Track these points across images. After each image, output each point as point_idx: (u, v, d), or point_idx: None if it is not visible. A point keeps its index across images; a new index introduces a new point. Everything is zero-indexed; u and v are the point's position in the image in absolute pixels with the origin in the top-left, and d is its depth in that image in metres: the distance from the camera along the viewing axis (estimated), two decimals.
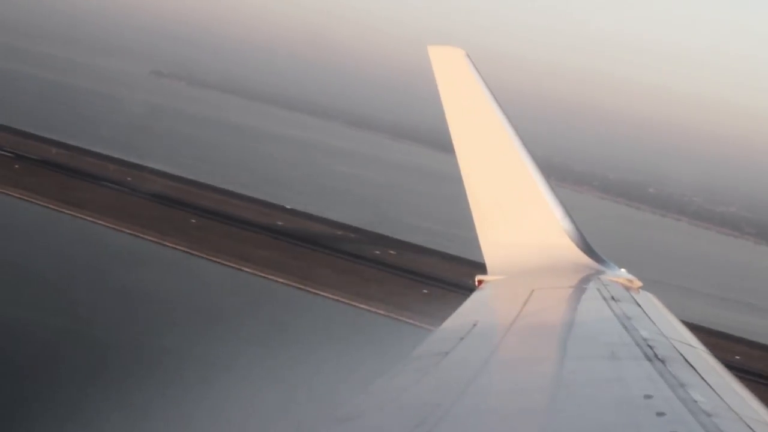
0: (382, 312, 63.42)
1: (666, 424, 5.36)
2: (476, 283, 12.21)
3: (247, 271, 66.92)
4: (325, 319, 57.72)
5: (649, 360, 7.05)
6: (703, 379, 6.70)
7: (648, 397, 5.90)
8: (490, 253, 12.83)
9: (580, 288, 11.23)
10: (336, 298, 64.81)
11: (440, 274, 72.29)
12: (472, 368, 7.28)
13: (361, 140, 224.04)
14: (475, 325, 9.42)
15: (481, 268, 12.65)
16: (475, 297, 11.63)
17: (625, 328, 8.44)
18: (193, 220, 76.51)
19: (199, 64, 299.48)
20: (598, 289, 10.62)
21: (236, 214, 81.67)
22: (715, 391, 6.38)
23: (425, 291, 72.12)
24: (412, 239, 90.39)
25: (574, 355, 7.68)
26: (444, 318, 10.07)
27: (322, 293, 64.98)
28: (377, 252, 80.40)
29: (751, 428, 5.65)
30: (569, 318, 10.07)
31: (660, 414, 5.52)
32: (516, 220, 12.93)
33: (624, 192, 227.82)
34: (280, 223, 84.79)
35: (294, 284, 65.79)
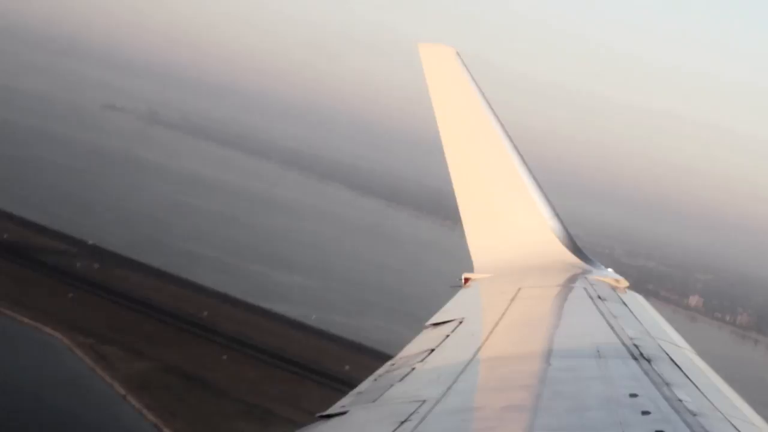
0: None
1: (651, 423, 5.36)
2: (463, 281, 12.22)
3: None
4: None
5: (635, 359, 7.06)
6: (688, 378, 6.72)
7: (633, 395, 5.91)
8: (477, 251, 12.84)
9: (567, 287, 11.25)
10: None
11: None
12: (457, 365, 7.27)
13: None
14: (461, 322, 9.42)
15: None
16: (461, 294, 11.65)
17: (611, 327, 8.46)
18: None
19: (161, 100, 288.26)
20: (585, 289, 10.64)
21: None
22: (700, 391, 6.39)
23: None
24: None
25: (559, 353, 7.69)
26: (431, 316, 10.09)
27: None
28: None
29: (735, 428, 5.66)
30: (556, 316, 10.08)
31: (645, 413, 5.53)
32: (503, 218, 12.94)
33: None
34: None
35: None
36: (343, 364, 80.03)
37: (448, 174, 13.11)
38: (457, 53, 13.27)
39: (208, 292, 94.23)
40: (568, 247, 12.42)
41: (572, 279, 11.49)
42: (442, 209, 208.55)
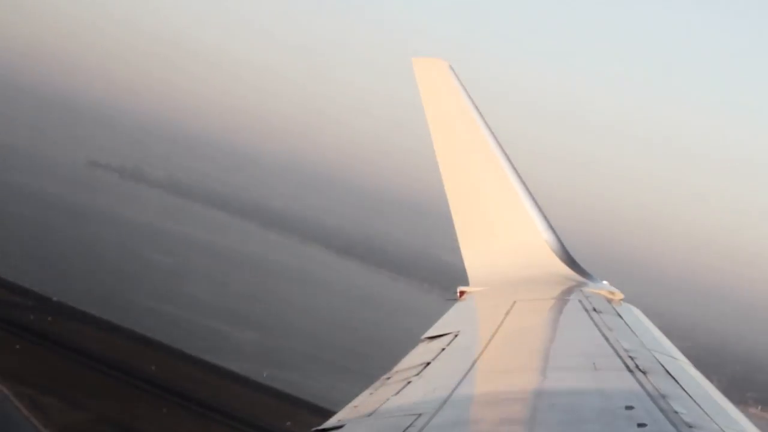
0: None
1: None
2: (458, 294, 12.23)
3: None
4: None
5: (631, 371, 7.05)
6: (684, 390, 6.71)
7: (629, 408, 5.90)
8: (472, 265, 12.84)
9: (562, 299, 11.26)
10: None
11: None
12: (453, 378, 7.26)
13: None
14: (456, 335, 9.41)
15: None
16: (457, 308, 11.64)
17: (607, 339, 8.45)
18: None
19: (148, 157, 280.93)
20: (580, 301, 10.64)
21: None
22: (696, 403, 6.38)
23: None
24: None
25: (555, 365, 7.68)
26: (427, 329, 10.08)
27: None
28: None
29: None
30: (551, 329, 10.09)
31: (641, 425, 5.51)
32: (498, 231, 12.95)
33: None
34: None
35: None
36: (285, 420, 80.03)
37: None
38: (450, 66, 13.31)
39: (161, 347, 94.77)
40: (563, 259, 12.43)
41: (567, 291, 11.50)
42: (421, 272, 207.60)
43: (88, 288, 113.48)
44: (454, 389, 6.88)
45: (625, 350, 7.87)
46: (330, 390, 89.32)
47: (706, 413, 6.16)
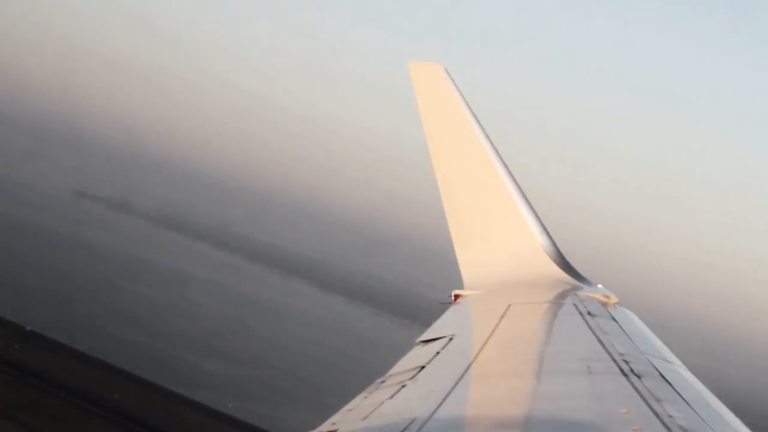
0: None
1: None
2: (453, 297, 12.22)
3: None
4: None
5: (625, 375, 7.04)
6: (679, 394, 6.70)
7: (624, 412, 5.89)
8: (467, 268, 12.86)
9: (557, 303, 11.27)
10: None
11: None
12: (448, 382, 7.24)
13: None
14: (451, 339, 9.40)
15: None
16: (451, 311, 11.65)
17: (602, 343, 8.45)
18: None
19: (138, 189, 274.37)
20: (575, 305, 10.64)
21: None
22: (691, 407, 6.38)
23: None
24: None
25: (550, 369, 7.67)
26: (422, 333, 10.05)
27: None
28: None
29: None
30: (546, 333, 10.09)
31: (635, 430, 5.51)
32: (493, 235, 12.97)
33: None
34: None
35: None
36: None
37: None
38: (446, 70, 13.34)
39: (128, 377, 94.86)
40: (557, 263, 12.45)
41: (562, 295, 11.51)
42: (405, 309, 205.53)
43: (62, 317, 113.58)
44: (449, 393, 6.87)
45: (620, 354, 7.86)
46: (292, 420, 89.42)
47: (701, 417, 6.16)
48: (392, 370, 8.43)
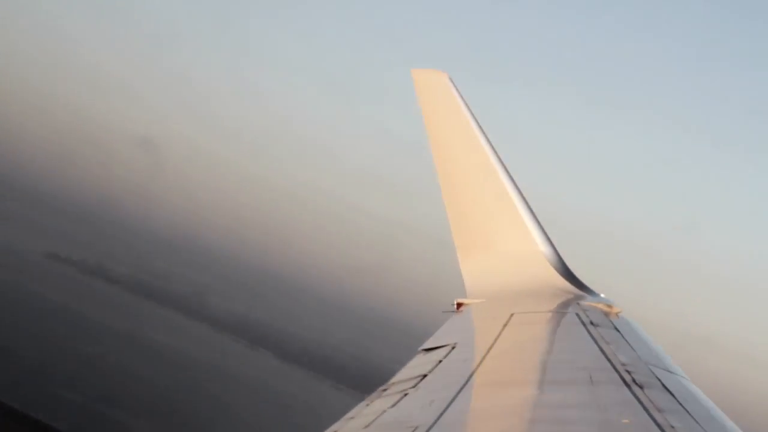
0: None
1: None
2: (456, 306, 12.22)
3: None
4: None
5: (628, 385, 7.02)
6: (681, 405, 6.68)
7: (625, 422, 5.87)
8: (469, 277, 12.87)
9: (560, 312, 11.26)
10: None
11: None
12: (450, 391, 7.23)
13: None
14: (453, 347, 9.39)
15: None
16: (454, 320, 11.64)
17: (604, 353, 8.43)
18: None
19: (113, 253, 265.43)
20: (577, 314, 10.63)
21: None
22: (693, 418, 6.36)
23: None
24: None
25: (552, 379, 7.66)
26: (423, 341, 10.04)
27: None
28: None
29: None
30: (548, 342, 10.07)
31: None
32: (496, 243, 12.99)
33: None
34: None
35: None
36: None
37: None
38: (450, 78, 13.37)
39: None
40: (560, 272, 12.47)
41: (565, 304, 11.51)
42: (368, 383, 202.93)
43: (5, 377, 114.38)
44: (451, 402, 6.86)
45: (622, 364, 7.85)
46: None
47: (704, 429, 6.14)
48: (394, 378, 8.42)
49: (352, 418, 7.12)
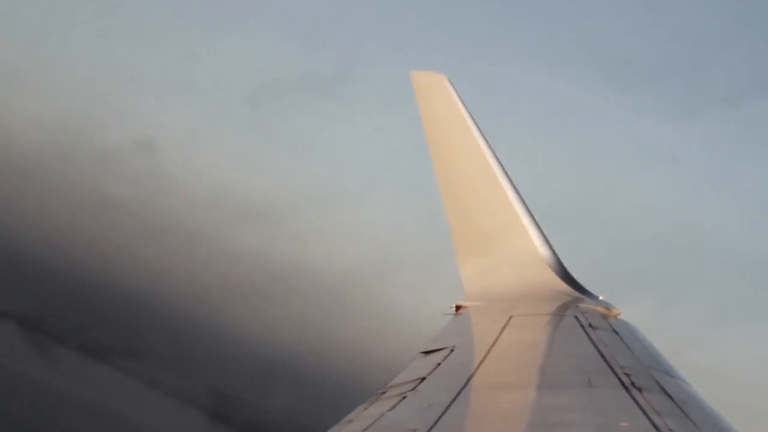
0: None
1: None
2: (454, 308, 12.22)
3: None
4: None
5: (626, 388, 7.02)
6: (680, 408, 6.68)
7: (624, 425, 5.87)
8: (468, 279, 12.87)
9: (559, 315, 11.26)
10: None
11: None
12: (448, 394, 7.23)
13: None
14: (452, 350, 9.38)
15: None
16: (453, 322, 11.64)
17: (603, 355, 8.43)
18: None
19: (51, 308, 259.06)
20: (576, 317, 10.63)
21: None
22: (692, 421, 6.35)
23: None
24: None
25: (550, 382, 7.66)
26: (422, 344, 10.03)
27: None
28: None
29: None
30: (546, 345, 10.06)
31: None
32: (494, 245, 12.99)
33: None
34: None
35: None
36: None
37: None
38: (449, 80, 13.39)
39: None
40: (559, 275, 12.46)
41: (564, 307, 11.51)
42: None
43: None
44: (450, 405, 6.85)
45: (621, 367, 7.84)
46: None
47: None
48: (393, 382, 8.41)
49: (350, 421, 7.11)
